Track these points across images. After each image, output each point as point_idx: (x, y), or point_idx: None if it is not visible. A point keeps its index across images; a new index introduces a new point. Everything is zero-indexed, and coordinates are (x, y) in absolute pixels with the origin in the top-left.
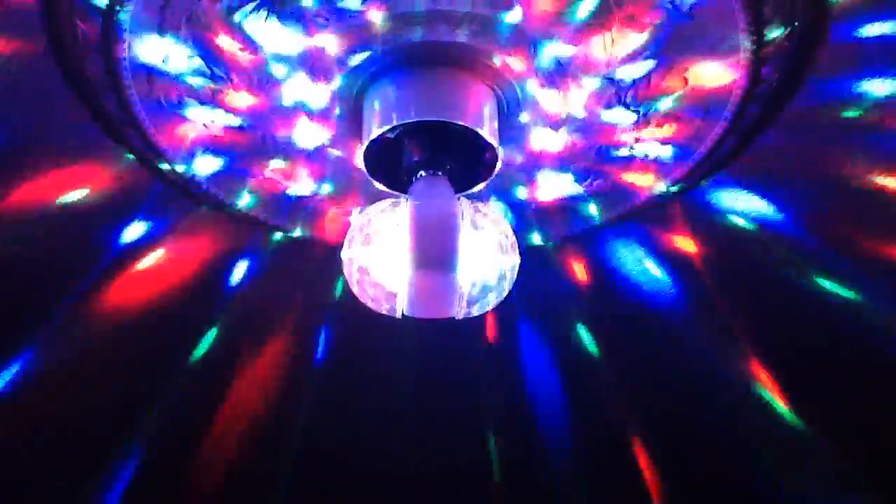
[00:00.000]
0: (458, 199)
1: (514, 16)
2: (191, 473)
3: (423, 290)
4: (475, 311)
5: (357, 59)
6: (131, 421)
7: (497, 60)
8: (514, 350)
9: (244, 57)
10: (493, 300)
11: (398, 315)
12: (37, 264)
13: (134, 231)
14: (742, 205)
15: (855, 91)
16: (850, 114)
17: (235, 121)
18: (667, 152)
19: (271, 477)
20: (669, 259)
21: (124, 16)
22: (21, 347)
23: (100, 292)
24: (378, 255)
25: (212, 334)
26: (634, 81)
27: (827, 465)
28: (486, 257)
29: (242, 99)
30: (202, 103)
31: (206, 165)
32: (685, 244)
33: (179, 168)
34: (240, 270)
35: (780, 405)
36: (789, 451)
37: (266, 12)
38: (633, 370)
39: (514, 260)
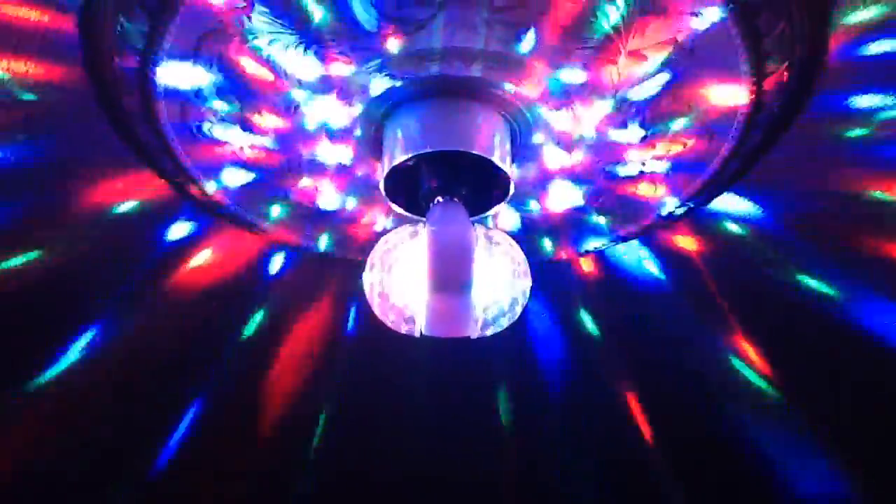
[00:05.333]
0: (473, 224)
1: (525, 50)
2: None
3: (440, 312)
4: (489, 332)
5: (377, 92)
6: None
7: (509, 91)
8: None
9: (272, 86)
10: (506, 321)
11: (417, 335)
12: (83, 268)
13: (171, 236)
14: (741, 211)
15: (857, 110)
16: (854, 132)
17: (262, 143)
18: (674, 173)
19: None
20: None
21: (160, 53)
22: (71, 340)
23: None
24: (397, 279)
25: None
26: (641, 107)
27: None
28: (499, 281)
29: (269, 123)
30: (232, 129)
31: (233, 185)
32: (686, 244)
33: (209, 189)
34: (261, 288)
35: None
36: (769, 419)
37: (291, 46)
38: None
39: (526, 283)
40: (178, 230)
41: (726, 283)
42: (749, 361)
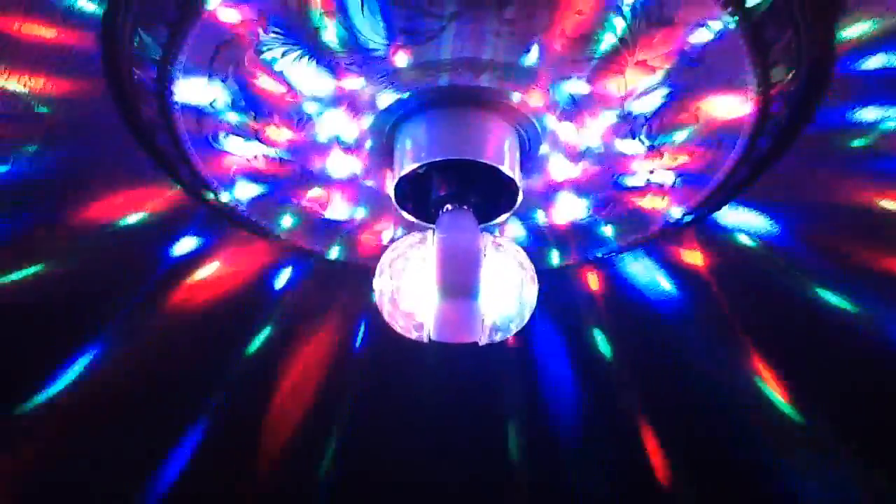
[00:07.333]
0: (481, 232)
1: (532, 60)
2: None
3: (448, 317)
4: (497, 338)
5: (387, 102)
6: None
7: (517, 101)
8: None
9: (284, 98)
10: (513, 327)
11: (425, 340)
12: (92, 279)
13: (180, 249)
14: (750, 224)
15: (862, 121)
16: (859, 143)
17: (275, 154)
18: (681, 182)
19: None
20: (680, 274)
21: (177, 65)
22: (79, 352)
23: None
24: (406, 285)
25: (254, 346)
26: (647, 117)
27: (821, 453)
28: (507, 287)
29: (281, 135)
30: (245, 139)
31: (247, 193)
32: (694, 259)
33: (223, 197)
34: (276, 293)
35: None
36: (785, 439)
37: (303, 59)
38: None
39: (533, 290)
40: (187, 243)
41: (736, 297)
42: (765, 379)
